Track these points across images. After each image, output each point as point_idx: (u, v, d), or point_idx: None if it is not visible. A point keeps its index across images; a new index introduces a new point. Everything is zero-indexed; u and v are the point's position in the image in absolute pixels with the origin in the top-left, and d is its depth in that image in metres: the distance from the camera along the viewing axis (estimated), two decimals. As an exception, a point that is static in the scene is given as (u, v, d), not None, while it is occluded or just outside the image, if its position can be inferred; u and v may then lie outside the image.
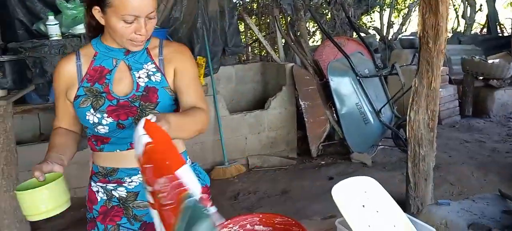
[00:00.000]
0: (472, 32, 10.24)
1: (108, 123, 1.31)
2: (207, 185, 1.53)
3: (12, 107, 2.68)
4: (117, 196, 1.39)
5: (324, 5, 7.81)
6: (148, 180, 1.05)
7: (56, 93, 1.39)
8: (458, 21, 11.31)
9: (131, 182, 1.38)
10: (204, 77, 4.37)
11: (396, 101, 4.85)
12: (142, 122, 1.06)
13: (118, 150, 1.36)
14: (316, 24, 7.96)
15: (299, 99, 4.58)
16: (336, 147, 4.78)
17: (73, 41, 3.43)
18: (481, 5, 10.53)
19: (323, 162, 4.49)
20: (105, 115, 1.30)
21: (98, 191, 1.42)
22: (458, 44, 8.53)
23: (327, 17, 7.89)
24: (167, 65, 1.38)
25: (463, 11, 10.33)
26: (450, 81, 6.18)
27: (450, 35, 9.70)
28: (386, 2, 9.67)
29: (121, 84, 1.34)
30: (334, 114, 4.70)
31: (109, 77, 1.33)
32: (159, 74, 1.36)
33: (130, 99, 1.32)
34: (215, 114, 4.38)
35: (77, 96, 1.32)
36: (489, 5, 9.36)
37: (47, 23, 3.46)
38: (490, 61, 5.91)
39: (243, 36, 7.27)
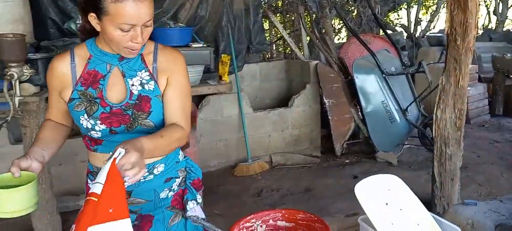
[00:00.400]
0: (504, 29, 9.93)
1: (101, 129, 1.32)
2: (199, 178, 1.56)
3: (44, 103, 2.77)
4: None
5: (350, 2, 7.73)
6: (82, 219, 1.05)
7: (49, 88, 1.40)
8: (490, 18, 10.99)
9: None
10: (228, 75, 4.41)
11: (423, 99, 4.77)
12: (109, 163, 1.08)
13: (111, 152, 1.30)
14: (341, 21, 7.89)
15: (324, 97, 4.56)
16: (361, 146, 4.73)
17: (102, 39, 3.53)
18: (513, 1, 10.20)
19: (347, 161, 4.46)
20: (98, 122, 1.31)
21: None
22: (489, 42, 8.29)
23: (353, 14, 7.81)
24: (160, 73, 1.37)
25: (495, 7, 10.03)
26: (480, 80, 6.01)
27: (480, 32, 9.44)
28: (413, -1, 9.51)
29: (115, 91, 1.33)
30: (359, 113, 4.65)
31: (103, 83, 1.33)
32: (152, 82, 1.35)
33: (123, 107, 1.32)
34: (239, 111, 4.41)
35: (71, 99, 1.33)
36: (522, 1, 9.06)
37: (77, 22, 3.58)
38: (522, 59, 5.72)
39: (268, 34, 7.28)
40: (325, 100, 4.54)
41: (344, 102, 4.60)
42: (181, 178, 1.51)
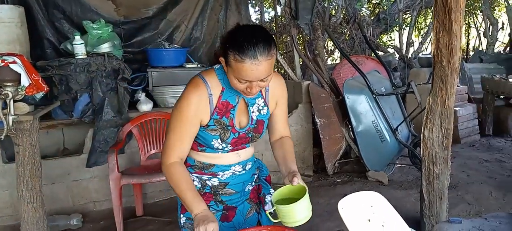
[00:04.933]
0: (495, 50, 10.11)
1: (228, 149, 1.62)
2: (269, 175, 1.91)
3: (38, 122, 2.81)
4: (210, 184, 1.69)
5: (343, 24, 7.86)
6: None
7: (186, 119, 1.53)
8: (480, 40, 11.18)
9: (223, 175, 1.68)
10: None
11: (413, 119, 4.84)
12: None
13: (220, 152, 1.64)
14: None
15: (315, 117, 4.61)
16: (353, 165, 4.77)
17: (97, 59, 3.58)
18: (503, 24, 10.41)
19: (339, 180, 4.49)
20: (229, 145, 1.61)
21: (194, 180, 1.67)
22: (480, 63, 8.44)
23: (346, 36, 7.94)
24: (272, 98, 1.68)
25: (484, 29, 10.23)
26: (470, 100, 6.11)
27: (472, 53, 9.59)
28: (406, 21, 9.66)
29: (241, 118, 1.62)
30: (350, 132, 4.71)
31: (233, 112, 1.59)
32: (266, 108, 1.67)
33: (246, 131, 1.62)
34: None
35: (207, 126, 1.56)
36: (511, 24, 9.26)
37: (73, 42, 3.64)
38: (511, 80, 5.83)
39: (262, 55, 7.37)
40: (317, 120, 4.59)
41: (335, 122, 4.66)
42: (257, 174, 1.84)
